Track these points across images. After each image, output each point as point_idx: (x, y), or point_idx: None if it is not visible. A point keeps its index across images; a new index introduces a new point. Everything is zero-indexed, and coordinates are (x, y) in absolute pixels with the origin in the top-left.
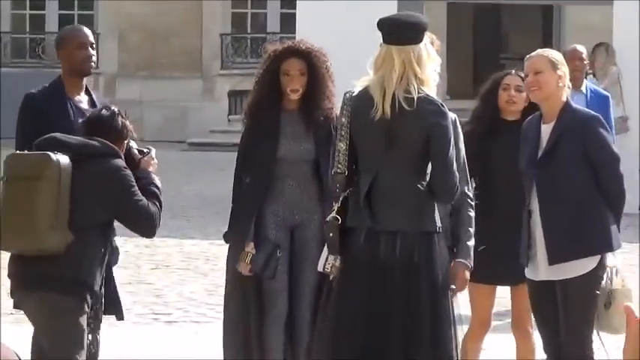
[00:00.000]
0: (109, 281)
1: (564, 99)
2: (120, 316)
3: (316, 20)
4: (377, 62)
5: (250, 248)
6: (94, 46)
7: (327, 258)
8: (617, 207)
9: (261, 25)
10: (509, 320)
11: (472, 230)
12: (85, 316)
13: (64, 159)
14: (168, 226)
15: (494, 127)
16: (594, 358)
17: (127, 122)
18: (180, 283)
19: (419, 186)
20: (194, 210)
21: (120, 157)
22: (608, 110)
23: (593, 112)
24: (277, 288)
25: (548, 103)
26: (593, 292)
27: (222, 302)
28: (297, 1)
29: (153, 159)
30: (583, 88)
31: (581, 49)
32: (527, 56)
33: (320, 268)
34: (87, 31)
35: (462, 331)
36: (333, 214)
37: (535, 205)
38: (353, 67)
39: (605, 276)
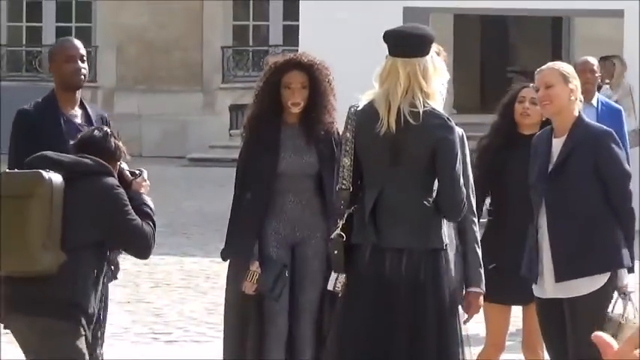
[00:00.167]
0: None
1: (576, 113)
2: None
3: (320, 32)
4: (382, 75)
5: (255, 267)
6: (84, 58)
7: (337, 277)
8: (627, 224)
9: (264, 38)
10: (520, 339)
11: (479, 251)
12: (82, 339)
13: (56, 177)
14: (168, 243)
15: (511, 141)
16: None
17: (120, 143)
18: (180, 301)
19: (425, 202)
20: (194, 227)
21: (113, 176)
22: (620, 124)
23: (605, 127)
24: (278, 308)
25: (560, 118)
26: (602, 311)
27: (222, 321)
28: (300, 13)
29: (145, 180)
30: (594, 101)
31: (593, 61)
32: (538, 69)
33: (330, 287)
34: (77, 43)
35: (469, 352)
36: (338, 230)
37: (543, 221)
38: (357, 80)
39: (618, 302)
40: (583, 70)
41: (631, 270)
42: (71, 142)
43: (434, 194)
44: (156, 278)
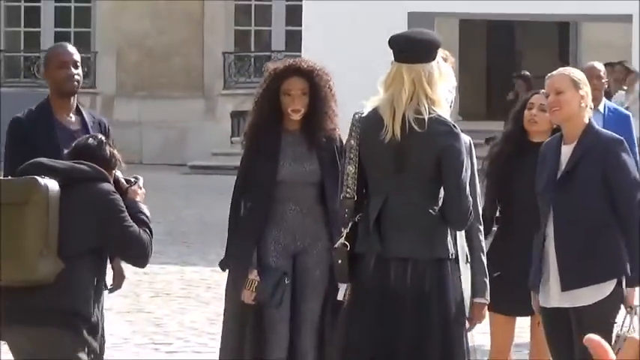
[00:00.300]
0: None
1: (587, 120)
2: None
3: (323, 38)
4: (387, 81)
5: (254, 276)
6: (79, 64)
7: (347, 287)
8: (630, 234)
9: (266, 43)
10: (527, 351)
11: (485, 260)
12: (82, 349)
13: (52, 184)
14: (168, 252)
15: (521, 149)
16: None
17: (115, 151)
18: (180, 311)
19: (431, 211)
20: (195, 236)
21: (109, 182)
22: (628, 130)
23: (616, 135)
24: (278, 316)
25: (570, 125)
26: (608, 320)
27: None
28: (303, 19)
29: (140, 188)
30: (601, 107)
31: (599, 66)
32: (549, 75)
33: (340, 297)
34: (70, 49)
35: None
36: (342, 240)
37: (550, 229)
38: (361, 86)
39: (626, 320)
40: (590, 76)
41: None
42: (65, 151)
43: (439, 202)
44: (156, 288)
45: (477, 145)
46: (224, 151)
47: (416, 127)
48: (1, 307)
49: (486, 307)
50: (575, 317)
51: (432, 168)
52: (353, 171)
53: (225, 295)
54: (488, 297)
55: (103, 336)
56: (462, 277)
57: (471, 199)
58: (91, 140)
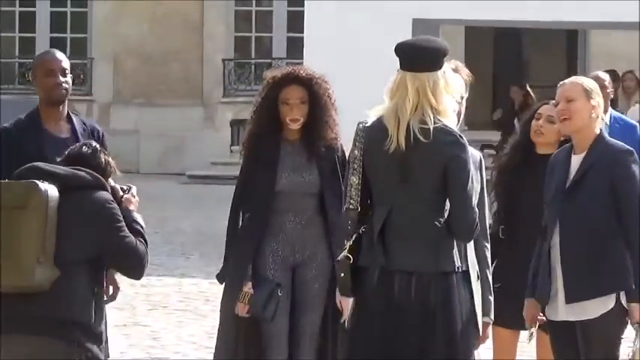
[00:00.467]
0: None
1: (597, 131)
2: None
3: (325, 45)
4: (392, 90)
5: (248, 288)
6: (67, 71)
7: (350, 310)
8: (633, 247)
9: (267, 50)
10: None
11: (490, 279)
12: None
13: (51, 189)
14: (166, 264)
15: (527, 160)
16: None
17: (110, 159)
18: (178, 325)
19: (436, 223)
20: (193, 247)
21: (107, 190)
22: (635, 140)
23: (626, 146)
24: (277, 330)
25: (580, 135)
26: (614, 335)
27: None
28: (305, 25)
29: (134, 196)
30: (606, 118)
31: (604, 76)
32: (561, 83)
33: (345, 317)
34: (58, 55)
35: None
36: (345, 252)
37: (556, 240)
38: (365, 95)
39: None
40: None
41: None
42: (58, 159)
43: (445, 214)
44: (153, 300)
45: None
46: (223, 160)
47: (421, 138)
48: None
49: (490, 326)
50: (580, 331)
51: (438, 179)
52: (356, 182)
53: (221, 307)
54: (492, 316)
55: (106, 349)
56: (474, 293)
57: (477, 210)
58: (85, 148)
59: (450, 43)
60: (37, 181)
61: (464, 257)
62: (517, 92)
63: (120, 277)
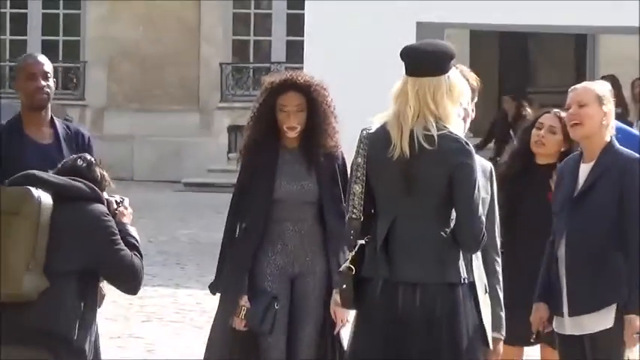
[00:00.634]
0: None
1: (607, 139)
2: None
3: (326, 49)
4: (395, 95)
5: (244, 302)
6: (49, 75)
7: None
8: (632, 257)
9: (265, 54)
10: None
11: (501, 293)
12: None
13: (45, 196)
14: (161, 274)
15: (526, 170)
16: None
17: (105, 172)
18: (174, 336)
19: (442, 233)
20: (189, 257)
21: (103, 203)
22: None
23: (637, 154)
24: (274, 343)
25: (590, 142)
26: (620, 347)
27: None
28: (305, 28)
29: (126, 209)
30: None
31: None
32: (572, 88)
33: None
34: (40, 59)
35: None
36: (347, 263)
37: (562, 251)
38: (368, 101)
39: None
40: None
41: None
42: (51, 171)
43: (451, 224)
44: (148, 312)
45: None
46: (220, 167)
47: (425, 145)
48: None
49: (502, 343)
50: (589, 344)
51: (443, 187)
52: (359, 190)
53: (215, 319)
54: (504, 332)
55: None
56: (481, 306)
57: (484, 220)
58: (79, 161)
59: (454, 47)
60: (30, 188)
61: (470, 269)
62: (509, 102)
63: (106, 285)
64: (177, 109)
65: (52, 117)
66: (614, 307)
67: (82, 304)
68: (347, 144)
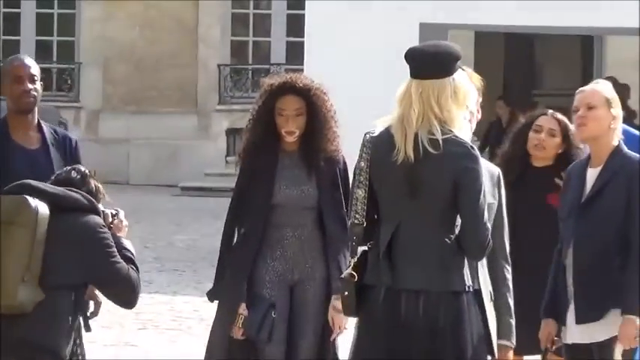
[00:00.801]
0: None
1: (615, 143)
2: None
3: (327, 50)
4: (399, 98)
5: (242, 310)
6: (36, 78)
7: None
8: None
9: (265, 55)
10: None
11: (511, 301)
12: None
13: (42, 206)
14: (158, 280)
15: (523, 174)
16: None
17: (100, 185)
18: (170, 345)
19: (446, 239)
20: (186, 263)
21: (99, 214)
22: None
23: None
24: (273, 351)
25: (597, 145)
26: (629, 355)
27: None
28: (306, 29)
29: (122, 221)
30: None
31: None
32: (580, 89)
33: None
34: (27, 61)
35: None
36: (349, 269)
37: (570, 259)
38: (369, 103)
39: None
40: None
41: None
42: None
43: (456, 230)
44: (143, 319)
45: None
46: (218, 171)
47: (430, 149)
48: None
49: (512, 351)
50: (597, 352)
51: (448, 192)
52: (362, 195)
53: (213, 327)
54: (514, 340)
55: None
56: (487, 314)
57: (489, 227)
58: (73, 173)
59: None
60: (27, 197)
61: (476, 276)
62: (503, 107)
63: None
64: (175, 112)
65: (38, 121)
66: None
67: (71, 319)
68: (348, 148)
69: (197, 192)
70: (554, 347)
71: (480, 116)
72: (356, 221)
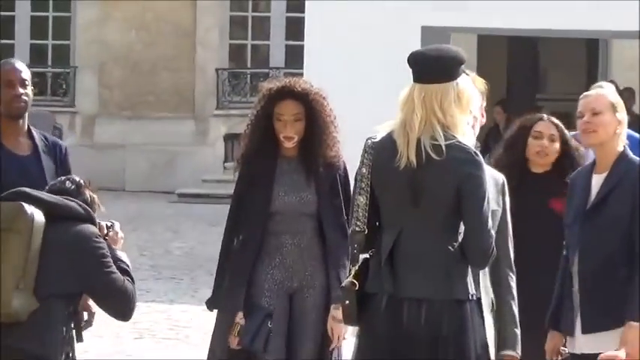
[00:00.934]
0: None
1: (620, 148)
2: None
3: (327, 54)
4: (402, 102)
5: (239, 318)
6: (27, 82)
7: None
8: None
9: (263, 59)
10: None
11: (516, 310)
12: None
13: (38, 214)
14: (155, 289)
15: (523, 180)
16: None
17: (95, 196)
18: (168, 355)
19: (449, 247)
20: (184, 271)
21: (95, 224)
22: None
23: None
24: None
25: (603, 151)
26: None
27: None
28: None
29: (117, 233)
30: None
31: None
32: (584, 94)
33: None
34: (18, 65)
35: None
36: (350, 278)
37: (576, 268)
38: (370, 108)
39: None
40: None
41: None
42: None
43: (459, 238)
44: (140, 328)
45: None
46: (216, 177)
47: (433, 155)
48: None
49: None
50: None
51: (451, 199)
52: (364, 202)
53: (212, 338)
54: (519, 350)
55: None
56: (485, 325)
57: (493, 234)
58: (68, 183)
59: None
60: (23, 204)
61: (477, 284)
62: (501, 113)
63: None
64: (171, 117)
65: (29, 127)
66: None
67: (65, 330)
68: (349, 154)
69: (194, 199)
70: (560, 359)
71: (484, 121)
72: (357, 228)
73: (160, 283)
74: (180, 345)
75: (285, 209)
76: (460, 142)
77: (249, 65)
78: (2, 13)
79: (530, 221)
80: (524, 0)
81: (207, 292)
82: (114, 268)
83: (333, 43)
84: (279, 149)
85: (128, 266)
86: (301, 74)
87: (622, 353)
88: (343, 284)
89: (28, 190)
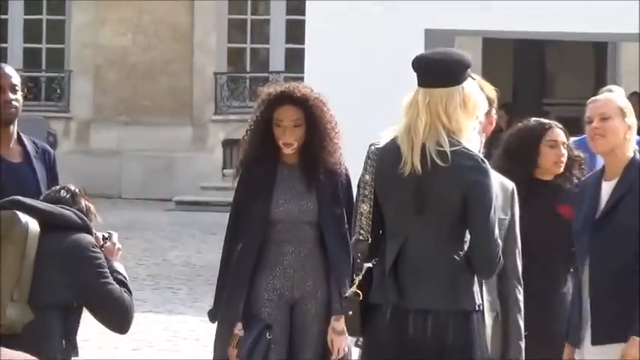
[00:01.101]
0: None
1: (630, 154)
2: None
3: (328, 57)
4: (406, 107)
5: (238, 330)
6: (17, 88)
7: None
8: None
9: (263, 63)
10: None
11: (522, 322)
12: None
13: (32, 222)
14: (152, 299)
15: (530, 190)
16: None
17: (91, 205)
18: None
19: (455, 256)
20: (182, 281)
21: (92, 234)
22: None
23: None
24: None
25: (612, 157)
26: None
27: None
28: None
29: (114, 244)
30: None
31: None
32: (592, 99)
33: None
34: (8, 70)
35: None
36: (354, 288)
37: (586, 276)
38: (374, 113)
39: None
40: None
41: None
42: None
43: (465, 247)
44: (137, 339)
45: None
46: (215, 184)
47: (438, 161)
48: None
49: None
50: None
51: (457, 207)
52: (367, 210)
53: (214, 351)
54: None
55: None
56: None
57: (500, 242)
58: (63, 192)
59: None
60: (17, 212)
61: (481, 294)
62: (504, 117)
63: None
64: (169, 122)
65: (18, 133)
66: None
67: (66, 341)
68: (351, 160)
69: (192, 206)
70: None
71: (491, 127)
72: (360, 237)
73: (157, 293)
74: (178, 356)
75: (285, 218)
76: (466, 148)
77: (248, 69)
78: None
79: (532, 233)
80: (530, 1)
81: (206, 302)
82: (111, 279)
83: (334, 46)
84: (279, 155)
85: (125, 278)
86: (302, 78)
87: None
88: (347, 294)
89: (22, 198)
